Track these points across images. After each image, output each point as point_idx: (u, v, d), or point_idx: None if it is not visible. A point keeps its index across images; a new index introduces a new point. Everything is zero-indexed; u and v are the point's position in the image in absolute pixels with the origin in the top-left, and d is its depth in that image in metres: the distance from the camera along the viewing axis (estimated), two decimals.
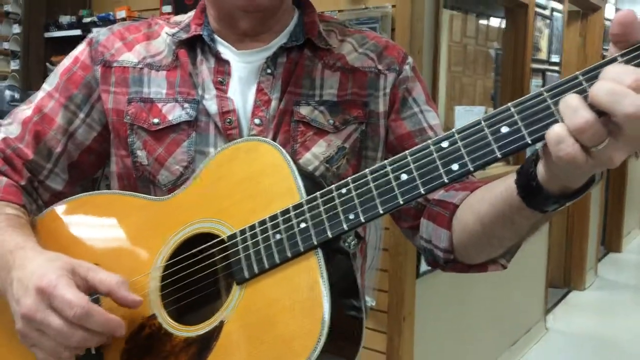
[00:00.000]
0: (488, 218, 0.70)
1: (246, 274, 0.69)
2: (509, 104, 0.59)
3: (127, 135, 0.90)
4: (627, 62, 0.53)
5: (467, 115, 3.52)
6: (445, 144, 0.61)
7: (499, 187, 0.69)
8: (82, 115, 0.93)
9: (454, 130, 0.62)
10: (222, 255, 0.73)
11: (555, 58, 3.68)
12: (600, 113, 0.51)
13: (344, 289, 0.68)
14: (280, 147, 0.74)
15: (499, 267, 0.80)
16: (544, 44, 3.48)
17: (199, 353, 0.69)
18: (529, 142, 0.57)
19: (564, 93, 0.55)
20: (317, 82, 0.90)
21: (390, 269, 2.21)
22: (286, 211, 0.69)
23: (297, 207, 0.69)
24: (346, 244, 0.69)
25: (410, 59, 0.96)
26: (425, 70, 2.32)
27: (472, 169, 0.59)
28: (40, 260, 0.72)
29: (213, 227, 0.74)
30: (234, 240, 0.72)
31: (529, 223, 0.67)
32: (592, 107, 0.51)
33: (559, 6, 3.62)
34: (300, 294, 0.65)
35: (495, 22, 5.40)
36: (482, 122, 0.60)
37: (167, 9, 2.53)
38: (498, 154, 0.58)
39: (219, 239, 0.73)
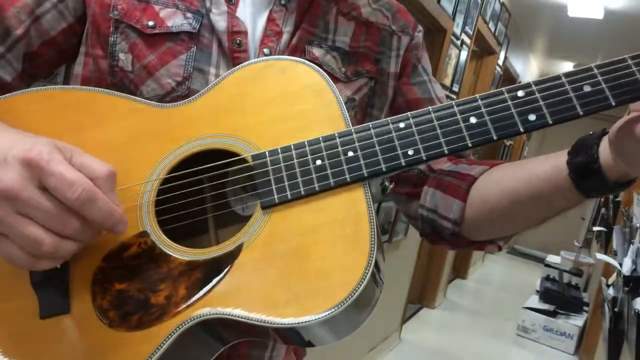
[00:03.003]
0: (522, 196, 0.69)
1: (276, 199, 0.61)
2: (592, 64, 0.58)
3: (110, 33, 0.77)
4: None
5: None
6: (520, 93, 0.59)
7: (540, 165, 0.67)
8: None
9: (530, 81, 0.60)
10: (244, 175, 0.64)
11: (455, 88, 3.91)
12: None
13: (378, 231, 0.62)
14: (324, 72, 0.67)
15: (495, 249, 0.80)
16: (450, 71, 3.68)
17: (205, 278, 0.59)
18: (613, 103, 0.57)
19: None
20: (331, 27, 0.84)
21: None
22: (330, 137, 0.63)
23: (344, 134, 0.63)
24: (382, 186, 0.64)
25: (421, 28, 0.94)
26: None
27: (551, 121, 0.58)
28: (14, 133, 0.58)
29: (232, 144, 0.65)
30: (261, 160, 0.63)
31: (566, 206, 0.66)
32: None
33: (467, 41, 3.86)
34: (344, 227, 0.59)
35: None
36: (563, 78, 0.59)
37: None
38: (580, 111, 0.57)
39: (240, 157, 0.64)
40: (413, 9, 2.97)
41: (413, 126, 0.61)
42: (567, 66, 7.06)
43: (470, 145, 0.59)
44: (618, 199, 4.73)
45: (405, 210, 0.88)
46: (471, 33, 3.87)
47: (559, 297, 5.07)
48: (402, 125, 0.62)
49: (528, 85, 0.59)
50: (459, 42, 3.65)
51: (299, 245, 0.59)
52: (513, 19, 4.95)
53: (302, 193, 0.61)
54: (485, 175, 0.78)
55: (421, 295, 5.04)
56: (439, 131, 0.60)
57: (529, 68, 7.20)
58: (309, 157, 0.62)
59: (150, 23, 0.76)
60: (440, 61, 3.37)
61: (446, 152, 0.60)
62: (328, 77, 0.67)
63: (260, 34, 0.79)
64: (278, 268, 0.58)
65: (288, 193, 0.61)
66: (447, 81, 3.69)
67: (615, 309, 2.49)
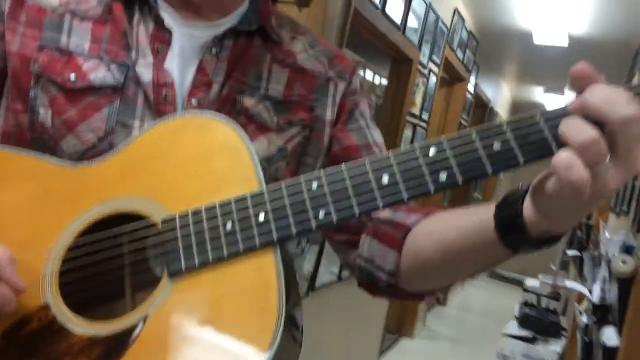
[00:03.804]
0: (452, 247, 0.67)
1: (183, 266, 0.58)
2: (503, 121, 0.57)
3: (30, 88, 0.74)
4: None
5: None
6: (432, 151, 0.57)
7: (470, 217, 0.66)
8: None
9: (442, 138, 0.58)
10: (152, 241, 0.61)
11: (425, 116, 3.93)
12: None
13: (290, 297, 0.59)
14: (241, 129, 0.65)
15: (434, 300, 0.78)
16: (418, 99, 3.70)
17: (106, 355, 0.56)
18: (522, 162, 0.55)
19: (557, 118, 0.55)
20: (264, 75, 0.82)
21: None
22: (242, 199, 0.60)
23: (256, 195, 0.60)
24: (299, 247, 0.61)
25: (359, 72, 0.92)
26: None
27: (460, 181, 0.56)
28: None
29: (143, 206, 0.62)
30: (170, 225, 0.60)
31: (494, 260, 0.65)
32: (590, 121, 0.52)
33: (435, 69, 3.89)
34: (252, 295, 0.56)
35: (370, 75, 5.70)
36: (474, 135, 0.57)
37: None
38: (489, 170, 0.55)
39: (149, 222, 0.61)
40: (378, 41, 2.99)
41: (326, 186, 0.59)
42: (538, 91, 7.18)
43: (381, 205, 0.57)
44: (590, 222, 4.76)
45: (344, 259, 0.86)
46: (439, 61, 3.91)
47: (537, 323, 5.05)
48: (314, 185, 0.59)
49: (440, 142, 0.58)
50: (426, 71, 3.69)
51: (206, 316, 0.56)
52: (481, 46, 5.03)
53: (210, 260, 0.58)
54: (420, 225, 0.76)
55: (399, 324, 4.99)
56: (350, 191, 0.58)
57: (500, 93, 7.30)
58: (220, 220, 0.59)
59: (72, 77, 0.74)
60: (408, 90, 3.39)
61: (357, 213, 0.58)
62: (245, 134, 0.65)
63: (189, 84, 0.77)
64: (183, 342, 0.55)
65: (196, 260, 0.58)
66: (416, 110, 3.71)
67: (586, 338, 2.47)
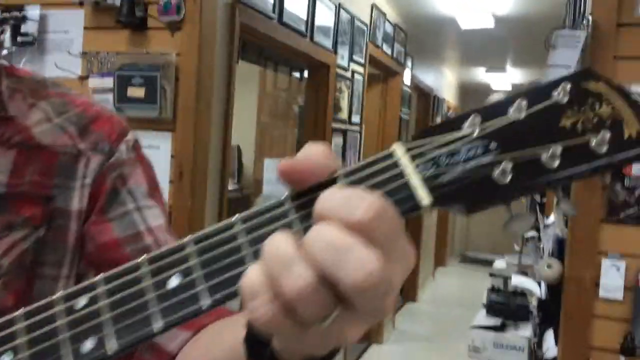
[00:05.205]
0: None
1: None
2: (189, 238, 0.38)
3: None
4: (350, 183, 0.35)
5: (276, 167, 3.45)
6: (82, 303, 0.38)
7: (229, 339, 0.50)
8: None
9: (102, 275, 0.38)
10: None
11: (356, 119, 3.77)
12: None
13: None
14: None
15: None
16: (344, 104, 3.53)
17: None
18: (204, 305, 0.36)
19: (264, 227, 0.36)
20: None
21: None
22: None
23: None
24: None
25: (130, 136, 0.71)
26: (217, 122, 2.13)
27: (112, 351, 0.37)
28: None
29: None
30: None
31: None
32: None
33: (360, 69, 3.73)
34: None
35: (297, 74, 5.52)
36: (144, 267, 0.38)
37: None
38: (156, 327, 0.36)
39: None
40: (282, 51, 2.81)
41: None
42: (480, 71, 7.09)
43: None
44: (544, 200, 4.65)
45: None
46: (362, 61, 3.75)
47: (505, 309, 4.94)
48: None
49: (92, 286, 0.38)
50: (348, 74, 3.52)
51: None
52: (411, 37, 4.88)
53: None
54: (184, 351, 0.60)
55: (366, 331, 4.83)
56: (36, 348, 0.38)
57: (444, 79, 7.20)
58: None
59: None
60: (328, 97, 3.22)
61: None
62: None
63: None
64: None
65: None
66: (344, 115, 3.54)
67: (535, 339, 2.33)
